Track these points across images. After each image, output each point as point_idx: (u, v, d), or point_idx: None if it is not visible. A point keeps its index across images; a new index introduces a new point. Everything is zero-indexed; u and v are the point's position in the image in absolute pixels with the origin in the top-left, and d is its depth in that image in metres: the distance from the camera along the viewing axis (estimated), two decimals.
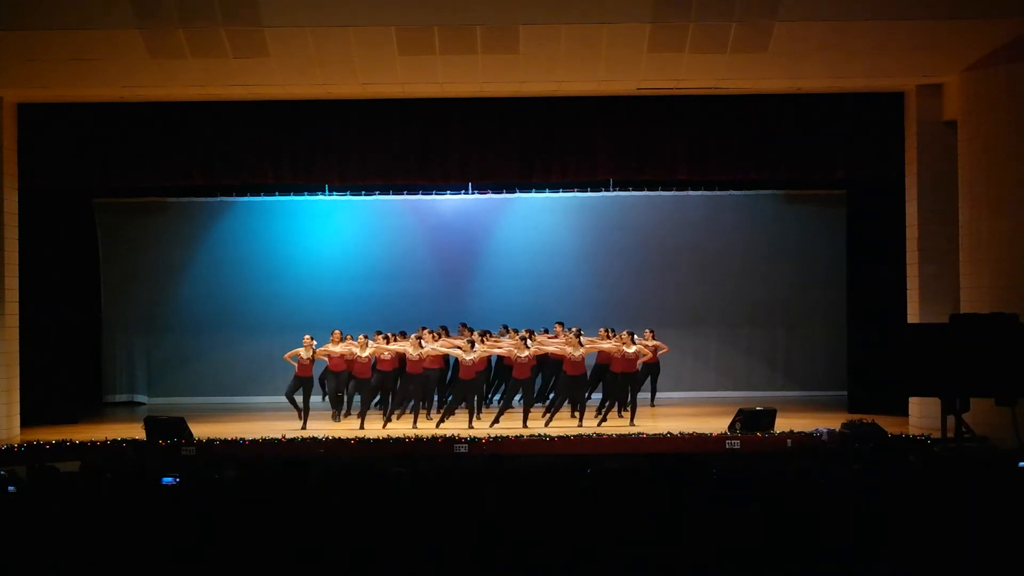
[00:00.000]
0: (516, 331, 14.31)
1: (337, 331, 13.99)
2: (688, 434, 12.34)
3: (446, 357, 14.35)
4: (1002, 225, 12.18)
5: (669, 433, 12.38)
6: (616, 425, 13.19)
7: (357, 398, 14.37)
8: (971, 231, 12.53)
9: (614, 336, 13.75)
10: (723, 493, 6.11)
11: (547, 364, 14.81)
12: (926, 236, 13.24)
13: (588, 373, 13.74)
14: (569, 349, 13.33)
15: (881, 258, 14.40)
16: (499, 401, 14.52)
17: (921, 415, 12.91)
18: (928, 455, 10.46)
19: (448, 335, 14.71)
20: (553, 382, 14.54)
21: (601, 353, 14.02)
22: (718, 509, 5.64)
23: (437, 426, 13.21)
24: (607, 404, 13.64)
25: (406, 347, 13.70)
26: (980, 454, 9.84)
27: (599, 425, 13.17)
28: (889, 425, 12.06)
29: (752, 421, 12.41)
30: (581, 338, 13.47)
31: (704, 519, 5.43)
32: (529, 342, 13.66)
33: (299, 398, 13.50)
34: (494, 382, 15.33)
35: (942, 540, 5.15)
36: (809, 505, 5.80)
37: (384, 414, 13.74)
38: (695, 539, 5.13)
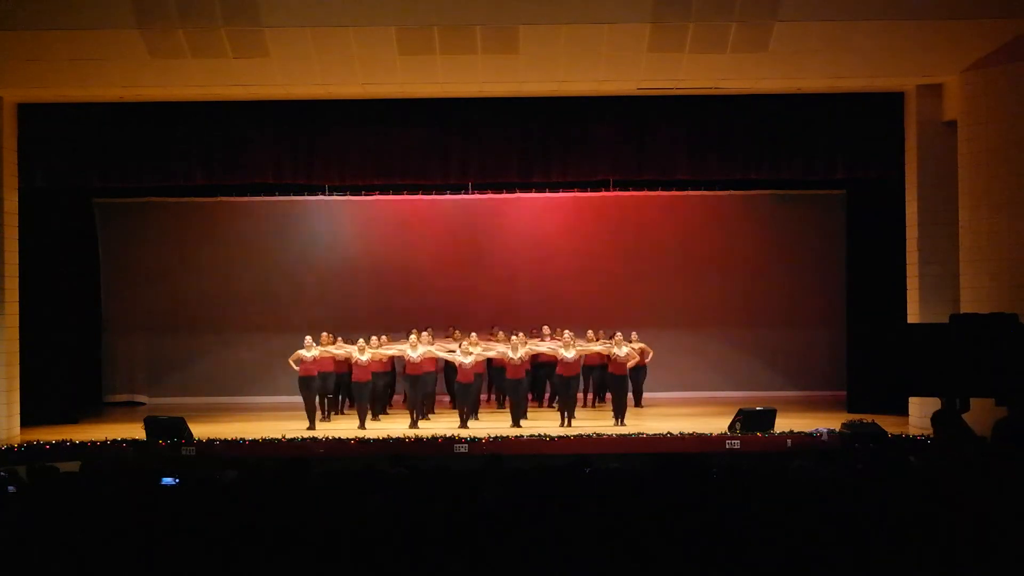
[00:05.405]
0: (506, 332, 14.33)
1: (325, 333, 13.94)
2: (688, 434, 12.35)
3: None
4: (1002, 225, 12.18)
5: (669, 433, 12.40)
6: (615, 425, 13.19)
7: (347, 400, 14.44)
8: (971, 231, 12.54)
9: (605, 337, 13.87)
10: (723, 493, 6.11)
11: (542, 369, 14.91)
12: (926, 236, 13.24)
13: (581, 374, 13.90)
14: (562, 351, 13.35)
15: (881, 258, 14.41)
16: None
17: (921, 415, 12.90)
18: (928, 455, 10.45)
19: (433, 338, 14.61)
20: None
21: (592, 355, 14.14)
22: (718, 509, 5.63)
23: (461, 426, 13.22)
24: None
25: (404, 350, 13.71)
26: (980, 454, 9.82)
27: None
28: (889, 425, 12.07)
29: (752, 421, 12.42)
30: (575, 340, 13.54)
31: (704, 519, 5.43)
32: (520, 346, 13.56)
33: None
34: (491, 386, 15.44)
35: (942, 540, 5.15)
36: (809, 505, 5.80)
37: (373, 414, 13.88)
38: (695, 539, 5.13)
